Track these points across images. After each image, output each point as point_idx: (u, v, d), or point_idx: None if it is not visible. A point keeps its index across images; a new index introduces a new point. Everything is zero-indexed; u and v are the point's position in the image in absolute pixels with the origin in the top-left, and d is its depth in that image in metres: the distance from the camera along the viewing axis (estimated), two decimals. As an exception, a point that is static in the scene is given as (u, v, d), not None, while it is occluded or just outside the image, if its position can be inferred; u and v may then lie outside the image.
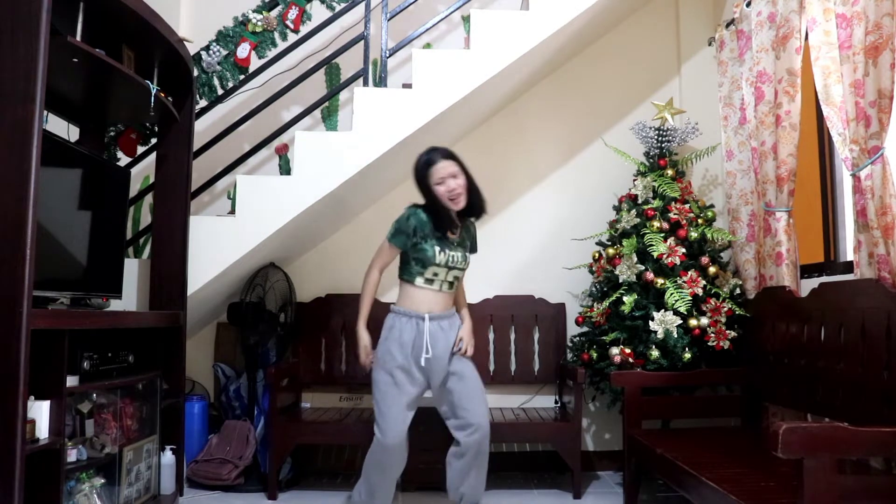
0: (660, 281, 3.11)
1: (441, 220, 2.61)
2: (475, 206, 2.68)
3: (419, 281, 2.63)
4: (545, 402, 3.73)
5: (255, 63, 3.41)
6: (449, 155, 2.64)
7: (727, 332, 3.08)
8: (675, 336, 3.01)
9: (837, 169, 2.92)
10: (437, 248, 2.60)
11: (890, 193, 2.21)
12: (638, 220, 3.28)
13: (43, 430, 2.09)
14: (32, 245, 2.00)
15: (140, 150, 3.38)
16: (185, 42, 2.98)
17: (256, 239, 3.15)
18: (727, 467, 2.24)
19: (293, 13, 3.37)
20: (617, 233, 3.38)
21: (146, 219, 3.69)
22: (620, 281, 3.22)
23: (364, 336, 2.72)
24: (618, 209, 3.50)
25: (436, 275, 2.62)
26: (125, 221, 2.97)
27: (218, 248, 3.15)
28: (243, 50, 3.34)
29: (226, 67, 3.35)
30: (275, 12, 3.37)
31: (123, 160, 3.39)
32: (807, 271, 2.99)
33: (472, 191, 2.66)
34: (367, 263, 2.76)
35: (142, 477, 2.69)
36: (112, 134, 3.31)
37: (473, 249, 2.82)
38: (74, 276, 2.57)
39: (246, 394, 3.51)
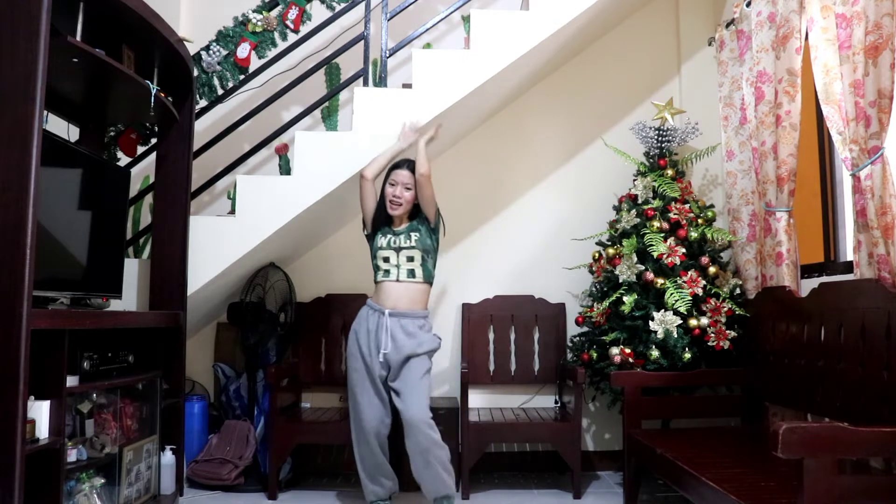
0: (660, 281, 3.11)
1: (380, 212, 2.87)
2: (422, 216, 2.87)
3: (379, 276, 2.80)
4: (545, 402, 3.73)
5: (255, 63, 3.41)
6: (413, 168, 2.83)
7: (727, 332, 3.08)
8: (675, 336, 3.01)
9: (837, 169, 2.93)
10: (380, 236, 2.83)
11: (890, 193, 2.21)
12: (638, 220, 3.28)
13: (43, 430, 2.09)
14: (32, 245, 2.00)
15: (140, 150, 3.38)
16: (185, 42, 2.98)
17: (256, 239, 3.15)
18: (727, 467, 2.24)
19: (293, 13, 3.36)
20: (617, 233, 3.38)
21: (146, 219, 3.69)
22: (620, 281, 3.22)
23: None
24: (618, 209, 3.50)
25: (387, 260, 2.77)
26: (125, 221, 2.97)
27: (218, 248, 3.15)
28: (243, 50, 3.34)
29: (226, 67, 3.35)
30: (275, 12, 3.37)
31: (123, 160, 3.39)
32: (807, 271, 2.99)
33: (423, 208, 2.84)
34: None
35: (142, 477, 2.69)
36: (112, 134, 3.31)
37: (433, 229, 2.81)
38: (74, 276, 2.57)
39: (246, 394, 3.51)
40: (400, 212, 2.81)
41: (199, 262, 3.13)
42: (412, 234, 2.77)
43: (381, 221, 2.88)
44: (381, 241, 2.80)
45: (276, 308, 3.55)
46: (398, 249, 2.75)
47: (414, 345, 2.73)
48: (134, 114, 3.10)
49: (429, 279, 2.78)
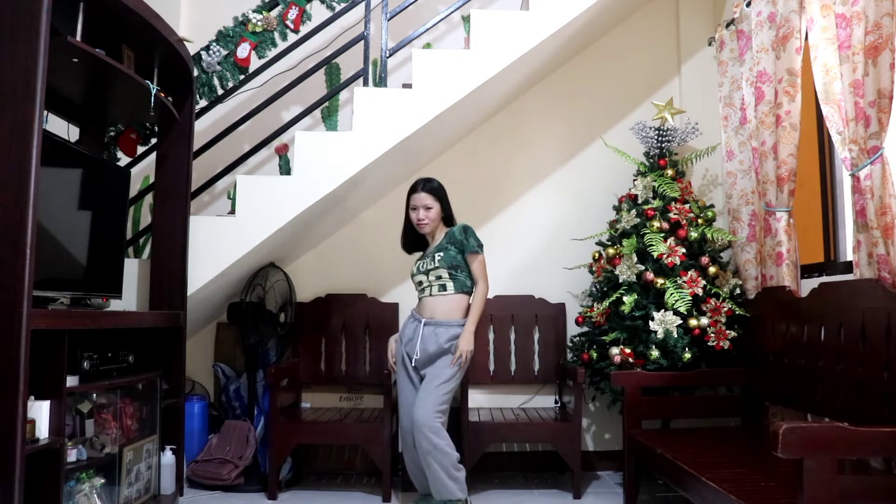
0: (660, 281, 3.11)
1: (408, 237, 3.05)
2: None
3: (418, 293, 2.98)
4: (545, 402, 3.73)
5: (255, 63, 3.41)
6: (430, 188, 2.94)
7: (727, 332, 3.08)
8: (675, 336, 3.01)
9: (837, 169, 2.93)
10: (414, 264, 3.00)
11: (889, 193, 2.20)
12: (638, 220, 3.28)
13: (43, 430, 2.09)
14: (32, 245, 2.00)
15: (140, 150, 3.38)
16: (185, 42, 2.98)
17: (256, 239, 3.15)
18: (727, 467, 2.24)
19: (293, 13, 3.37)
20: (617, 233, 3.38)
21: (146, 219, 3.69)
22: (620, 281, 3.22)
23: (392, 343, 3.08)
24: (618, 209, 3.50)
25: (420, 283, 2.94)
26: (125, 221, 2.97)
27: (218, 248, 3.15)
28: (243, 50, 3.34)
29: (226, 67, 3.35)
30: (275, 12, 3.37)
31: (123, 160, 3.39)
32: (807, 271, 2.99)
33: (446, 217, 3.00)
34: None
35: (142, 477, 2.69)
36: (112, 134, 3.31)
37: (468, 248, 2.89)
38: (74, 276, 2.57)
39: (246, 394, 3.51)
40: (428, 230, 2.95)
41: (199, 262, 3.13)
42: (437, 254, 2.88)
43: (415, 243, 3.05)
44: (414, 268, 2.97)
45: (276, 308, 3.55)
46: (427, 272, 2.89)
47: (440, 352, 2.82)
48: (134, 114, 3.11)
49: (462, 289, 2.88)
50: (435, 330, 2.83)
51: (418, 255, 3.05)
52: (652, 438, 2.74)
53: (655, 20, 3.94)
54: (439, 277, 2.87)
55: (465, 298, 2.89)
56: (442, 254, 2.87)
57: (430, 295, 2.88)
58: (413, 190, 2.96)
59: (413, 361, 2.86)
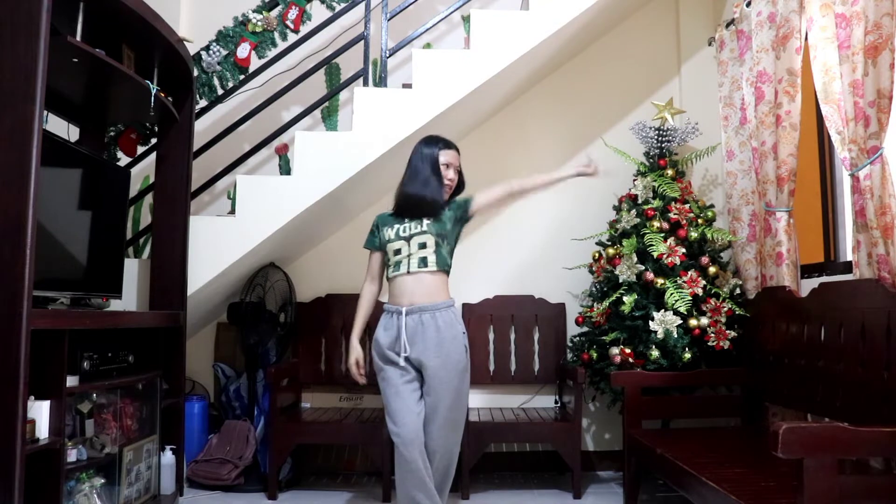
0: (660, 281, 3.11)
1: (421, 199, 2.51)
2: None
3: (391, 271, 2.52)
4: (545, 402, 3.73)
5: (255, 63, 3.41)
6: (456, 148, 2.65)
7: (727, 332, 3.08)
8: (675, 336, 3.01)
9: (837, 169, 2.93)
10: (388, 228, 2.53)
11: (889, 193, 2.20)
12: (638, 220, 3.28)
13: (43, 430, 2.09)
14: (32, 245, 2.00)
15: (140, 150, 3.38)
16: (185, 42, 2.98)
17: (256, 239, 3.15)
18: (727, 467, 2.24)
19: (293, 13, 3.37)
20: (617, 233, 3.38)
21: (146, 219, 3.69)
22: (620, 281, 3.22)
23: (355, 348, 2.62)
24: (618, 209, 3.50)
25: (398, 252, 2.48)
26: (125, 221, 2.97)
27: (218, 248, 3.15)
28: (243, 50, 3.34)
29: (226, 67, 3.35)
30: (275, 12, 3.37)
31: (123, 160, 3.39)
32: (807, 271, 2.99)
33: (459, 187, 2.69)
34: (366, 263, 2.75)
35: (142, 477, 2.69)
36: (112, 134, 3.31)
37: (469, 203, 2.59)
38: (74, 276, 2.57)
39: (246, 394, 3.51)
40: (448, 195, 2.59)
41: (199, 262, 3.12)
42: (426, 218, 2.49)
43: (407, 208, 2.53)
44: (389, 233, 2.51)
45: (276, 308, 3.55)
46: (409, 238, 2.47)
47: (437, 352, 2.42)
48: (134, 114, 3.10)
49: (443, 266, 2.49)
50: (420, 318, 2.42)
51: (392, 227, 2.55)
52: (652, 438, 2.74)
53: (655, 20, 3.94)
54: (423, 246, 2.44)
55: (446, 278, 2.50)
56: (427, 221, 2.47)
57: (409, 272, 2.44)
58: (446, 145, 2.56)
59: (402, 360, 2.43)
